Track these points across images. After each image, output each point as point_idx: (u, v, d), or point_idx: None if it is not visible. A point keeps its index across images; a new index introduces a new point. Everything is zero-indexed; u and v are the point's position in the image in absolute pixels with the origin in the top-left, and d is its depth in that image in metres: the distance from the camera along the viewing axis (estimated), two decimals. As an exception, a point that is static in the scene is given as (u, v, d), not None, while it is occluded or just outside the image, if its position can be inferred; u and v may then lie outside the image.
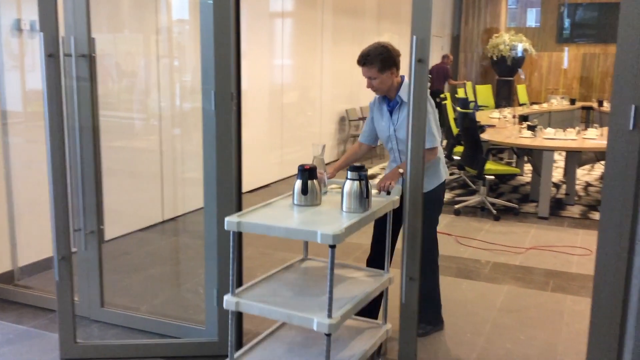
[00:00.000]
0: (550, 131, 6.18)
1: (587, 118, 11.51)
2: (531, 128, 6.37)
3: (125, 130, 5.10)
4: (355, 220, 2.35)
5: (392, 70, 3.01)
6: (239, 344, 3.06)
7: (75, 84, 3.07)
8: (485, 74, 14.35)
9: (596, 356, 2.21)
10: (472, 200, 6.01)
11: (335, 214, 2.47)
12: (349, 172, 2.51)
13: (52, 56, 2.71)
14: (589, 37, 14.36)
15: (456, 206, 5.96)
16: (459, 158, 6.69)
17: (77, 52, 3.06)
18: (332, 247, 2.18)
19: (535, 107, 10.11)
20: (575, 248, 4.86)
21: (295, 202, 2.59)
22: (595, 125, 6.84)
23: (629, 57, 2.07)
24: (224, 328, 3.02)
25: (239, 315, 3.09)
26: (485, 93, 10.74)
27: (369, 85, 3.07)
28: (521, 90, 11.89)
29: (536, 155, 6.33)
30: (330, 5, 8.31)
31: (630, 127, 2.03)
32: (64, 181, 2.87)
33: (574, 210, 6.01)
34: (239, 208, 3.03)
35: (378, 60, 2.97)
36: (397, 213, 2.85)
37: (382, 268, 2.89)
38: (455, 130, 7.12)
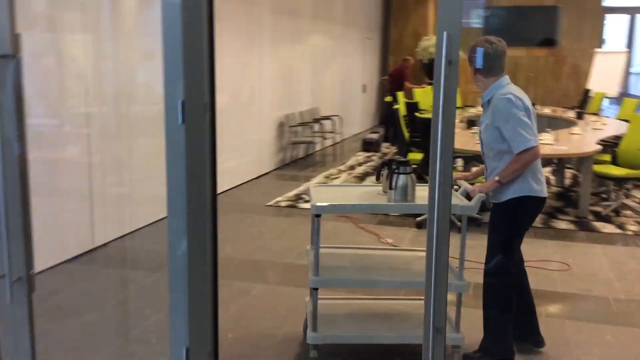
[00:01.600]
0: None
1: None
2: (488, 134, 6.12)
3: (42, 139, 4.34)
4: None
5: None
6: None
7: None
8: (415, 77, 14.25)
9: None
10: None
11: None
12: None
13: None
14: (513, 40, 14.60)
15: (417, 219, 5.61)
16: (415, 166, 6.35)
17: (-4, 51, 2.39)
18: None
19: (473, 110, 10.02)
20: (551, 262, 4.60)
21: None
22: (547, 129, 6.71)
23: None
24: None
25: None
26: (426, 96, 10.55)
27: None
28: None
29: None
30: (268, 5, 7.78)
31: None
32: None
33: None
34: (214, 238, 2.46)
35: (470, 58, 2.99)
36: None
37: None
38: (407, 135, 6.78)
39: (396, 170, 3.00)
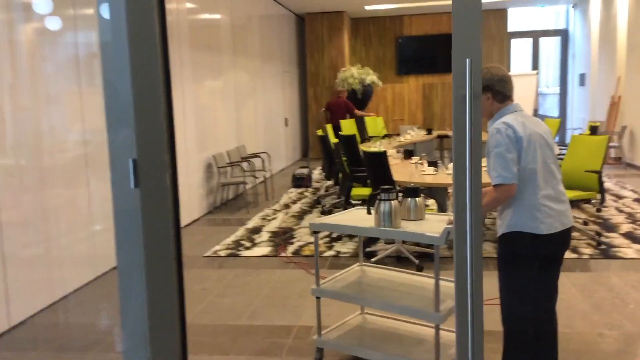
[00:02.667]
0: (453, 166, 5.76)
1: (442, 146, 11.64)
2: (432, 164, 5.92)
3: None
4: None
5: (486, 95, 2.80)
6: None
7: None
8: (327, 108, 14.12)
9: None
10: (389, 249, 5.36)
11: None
12: None
13: None
14: (426, 68, 14.86)
15: (372, 259, 5.26)
16: (360, 202, 6.03)
17: None
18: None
19: (402, 139, 9.92)
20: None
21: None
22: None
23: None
24: None
25: None
26: (352, 127, 10.37)
27: None
28: (372, 123, 11.70)
29: (440, 193, 5.88)
30: (186, 41, 7.31)
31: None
32: None
33: (488, 249, 5.62)
34: (183, 335, 1.97)
35: None
36: None
37: None
38: (347, 169, 6.47)
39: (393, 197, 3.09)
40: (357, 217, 3.39)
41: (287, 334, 3.86)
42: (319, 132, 8.27)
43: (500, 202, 2.74)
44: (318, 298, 3.40)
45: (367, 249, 5.63)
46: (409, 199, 3.17)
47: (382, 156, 4.97)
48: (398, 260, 5.35)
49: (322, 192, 9.12)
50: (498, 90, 2.80)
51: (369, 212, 3.26)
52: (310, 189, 9.51)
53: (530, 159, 2.67)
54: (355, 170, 6.18)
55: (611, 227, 6.36)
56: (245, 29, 10.01)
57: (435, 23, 14.82)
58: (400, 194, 3.24)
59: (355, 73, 13.12)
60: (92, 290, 4.87)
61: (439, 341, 2.97)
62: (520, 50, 15.73)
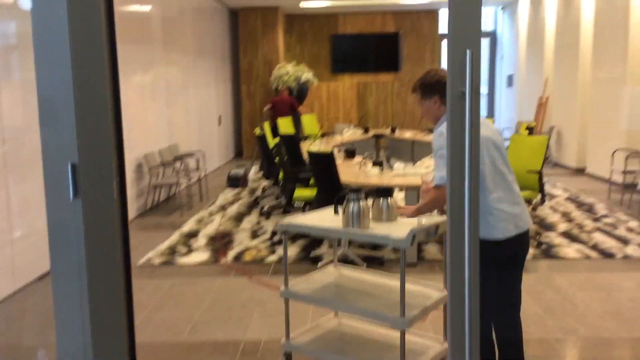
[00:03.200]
0: (399, 167, 5.65)
1: (378, 145, 11.59)
2: (377, 164, 5.78)
3: None
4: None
5: (434, 98, 2.78)
6: None
7: None
8: (272, 106, 13.83)
9: None
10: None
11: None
12: None
13: None
14: (360, 67, 14.82)
15: (319, 264, 5.05)
16: (303, 204, 5.81)
17: None
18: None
19: (339, 137, 9.77)
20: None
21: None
22: (431, 156, 6.54)
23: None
24: None
25: None
26: (289, 125, 10.12)
27: None
28: (308, 121, 11.50)
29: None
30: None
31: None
32: None
33: (432, 251, 5.54)
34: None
35: (418, 86, 2.83)
36: None
37: None
38: (282, 170, 6.22)
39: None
40: (326, 218, 3.18)
41: (234, 350, 3.59)
42: (257, 131, 7.99)
43: (439, 203, 2.80)
44: (287, 300, 3.21)
45: (313, 254, 5.42)
46: (381, 199, 2.98)
47: (329, 157, 4.76)
48: (345, 264, 5.15)
49: (259, 192, 8.83)
50: (445, 94, 2.71)
51: (336, 212, 3.05)
52: (246, 190, 9.19)
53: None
54: (298, 171, 5.95)
55: (549, 227, 6.44)
56: (177, 22, 9.56)
57: (369, 22, 14.80)
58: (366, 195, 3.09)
59: (290, 70, 12.88)
60: (12, 305, 4.40)
61: (404, 347, 2.79)
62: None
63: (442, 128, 2.67)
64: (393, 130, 10.93)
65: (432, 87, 2.77)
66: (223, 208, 7.82)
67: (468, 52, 1.44)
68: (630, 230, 6.16)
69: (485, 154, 2.61)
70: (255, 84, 13.73)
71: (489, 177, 2.61)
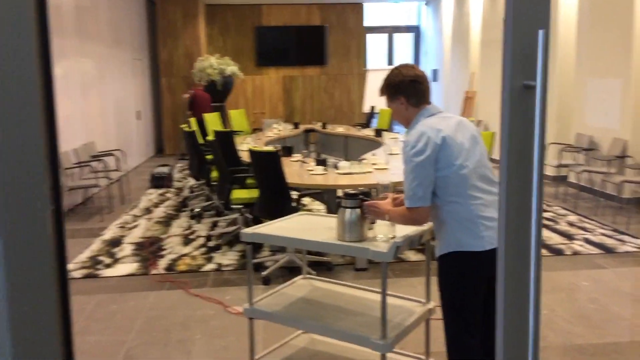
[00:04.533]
0: (344, 165, 5.31)
1: (307, 140, 11.24)
2: (321, 163, 5.41)
3: None
4: None
5: (399, 99, 2.44)
6: None
7: None
8: (194, 94, 13.16)
9: None
10: (281, 260, 4.75)
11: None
12: None
13: None
14: (286, 60, 14.41)
15: (263, 273, 4.62)
16: (241, 206, 5.36)
17: None
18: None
19: (270, 133, 9.34)
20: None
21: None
22: (373, 152, 6.26)
23: None
24: None
25: None
26: (216, 122, 9.55)
27: None
28: (237, 117, 10.97)
29: (330, 196, 5.40)
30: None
31: None
32: None
33: (408, 254, 5.23)
34: None
35: (384, 87, 2.50)
36: None
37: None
38: (217, 169, 5.74)
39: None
40: (299, 227, 2.78)
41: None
42: (185, 127, 7.42)
43: (412, 223, 2.47)
44: (251, 319, 2.80)
45: (255, 260, 5.00)
46: (351, 209, 2.59)
47: (274, 156, 4.34)
48: (291, 272, 4.77)
49: (187, 193, 8.25)
50: (412, 93, 2.43)
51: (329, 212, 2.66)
52: (172, 190, 8.58)
53: (457, 166, 2.30)
54: (235, 171, 5.48)
55: (492, 223, 6.32)
56: (91, 11, 8.77)
57: (294, 14, 14.41)
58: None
59: (214, 63, 12.27)
60: None
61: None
62: (375, 45, 15.88)
63: (414, 135, 2.35)
64: (324, 126, 10.62)
65: (397, 87, 2.45)
66: (148, 211, 7.21)
67: (541, 32, 1.08)
68: (571, 224, 6.14)
69: (464, 157, 2.35)
70: (176, 77, 13.02)
71: (471, 182, 2.32)
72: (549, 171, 8.29)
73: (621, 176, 6.74)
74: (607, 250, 5.22)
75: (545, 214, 6.59)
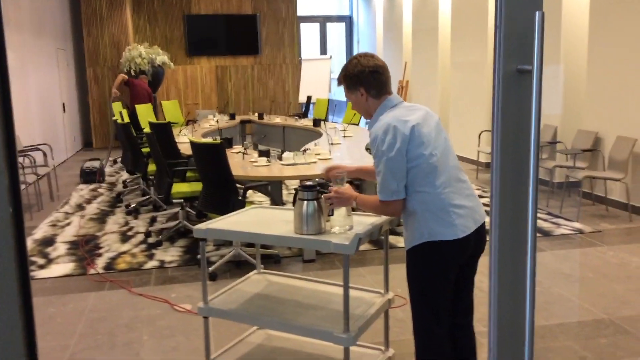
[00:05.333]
0: (288, 156, 5.23)
1: (244, 132, 11.07)
2: (264, 154, 5.31)
3: None
4: None
5: (359, 90, 2.39)
6: None
7: None
8: (122, 91, 12.67)
9: None
10: (227, 255, 4.63)
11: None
12: None
13: None
14: (218, 49, 14.11)
15: (210, 268, 4.49)
16: (182, 200, 5.20)
17: None
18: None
19: (207, 125, 9.11)
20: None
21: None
22: (315, 142, 6.21)
23: None
24: None
25: None
26: (149, 114, 9.22)
27: None
28: (170, 108, 10.64)
29: (275, 188, 5.32)
30: None
31: None
32: None
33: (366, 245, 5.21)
34: None
35: (342, 77, 2.44)
36: None
37: None
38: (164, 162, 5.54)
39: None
40: (256, 220, 2.68)
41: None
42: (117, 119, 7.12)
43: (384, 213, 2.45)
44: (206, 318, 2.69)
45: (199, 256, 4.85)
46: (310, 201, 2.52)
47: (218, 148, 4.21)
48: (238, 266, 4.66)
49: (120, 187, 7.94)
50: (372, 85, 2.38)
51: (294, 204, 2.53)
52: (104, 185, 8.24)
53: (426, 156, 2.28)
54: (174, 164, 5.30)
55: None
56: (9, -5, 8.25)
57: (225, 2, 14.11)
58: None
59: (143, 52, 11.85)
60: None
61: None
62: (309, 34, 15.82)
63: (379, 128, 2.31)
64: (261, 116, 10.48)
65: (356, 78, 2.38)
66: (80, 208, 6.88)
67: (538, 14, 1.05)
68: (508, 209, 6.32)
69: (432, 146, 2.31)
70: (103, 67, 12.50)
71: (439, 171, 2.29)
72: (482, 157, 8.52)
73: (552, 161, 7.00)
74: (544, 233, 5.41)
75: (482, 200, 6.75)
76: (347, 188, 2.43)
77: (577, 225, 5.62)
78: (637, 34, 5.94)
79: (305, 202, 2.44)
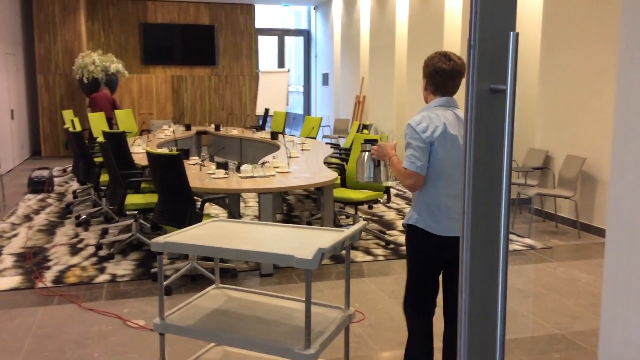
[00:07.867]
0: (246, 168, 5.17)
1: (199, 143, 10.93)
2: (222, 166, 5.25)
3: None
4: None
5: (424, 80, 2.67)
6: None
7: None
8: (73, 98, 12.37)
9: None
10: (183, 268, 4.53)
11: None
12: None
13: None
14: (173, 59, 13.94)
15: (166, 282, 4.38)
16: (136, 212, 5.08)
17: None
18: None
19: (162, 135, 8.96)
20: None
21: None
22: (274, 155, 6.17)
23: None
24: None
25: None
26: (102, 122, 8.99)
27: None
28: (124, 117, 10.41)
29: (233, 199, 5.24)
30: None
31: None
32: None
33: (359, 255, 5.17)
34: None
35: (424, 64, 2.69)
36: None
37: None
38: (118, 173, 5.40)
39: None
40: (216, 234, 2.63)
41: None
42: (69, 128, 6.92)
43: (403, 181, 2.64)
44: (162, 335, 2.62)
45: (153, 270, 4.74)
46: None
47: (176, 159, 4.13)
48: (193, 280, 4.57)
49: (69, 198, 7.70)
50: (431, 81, 2.66)
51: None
52: (53, 195, 7.97)
53: (442, 155, 2.56)
54: (129, 175, 5.17)
55: (388, 224, 6.47)
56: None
57: (182, 12, 13.99)
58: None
59: (97, 60, 11.60)
60: None
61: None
62: (267, 47, 15.82)
63: (418, 116, 2.60)
64: (217, 128, 10.38)
65: (426, 70, 2.66)
66: (28, 218, 6.63)
67: (512, 34, 1.06)
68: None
69: (448, 151, 2.57)
70: (54, 74, 12.18)
71: (448, 174, 2.59)
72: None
73: (505, 178, 7.15)
74: (498, 248, 5.50)
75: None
76: (388, 145, 2.71)
77: (528, 241, 5.75)
78: (587, 56, 6.17)
79: (366, 152, 2.77)
